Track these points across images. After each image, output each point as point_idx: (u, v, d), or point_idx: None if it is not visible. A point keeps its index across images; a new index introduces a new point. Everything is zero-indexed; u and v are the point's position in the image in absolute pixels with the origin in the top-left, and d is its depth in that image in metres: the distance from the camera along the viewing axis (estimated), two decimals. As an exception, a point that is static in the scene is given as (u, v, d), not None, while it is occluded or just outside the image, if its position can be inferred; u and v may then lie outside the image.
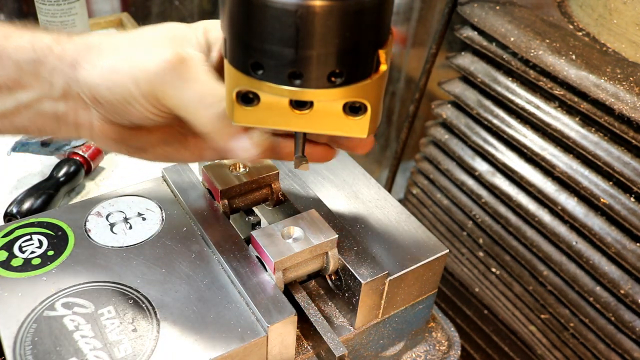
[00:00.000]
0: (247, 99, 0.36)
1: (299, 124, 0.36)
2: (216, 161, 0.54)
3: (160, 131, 0.44)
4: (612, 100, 0.67)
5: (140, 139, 0.44)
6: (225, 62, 0.36)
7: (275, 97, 0.35)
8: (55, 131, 0.43)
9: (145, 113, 0.40)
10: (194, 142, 0.45)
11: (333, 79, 0.33)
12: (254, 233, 0.46)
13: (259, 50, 0.33)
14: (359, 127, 0.36)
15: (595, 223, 0.73)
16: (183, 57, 0.38)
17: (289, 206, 0.54)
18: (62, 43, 0.40)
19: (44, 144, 0.78)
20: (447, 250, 0.50)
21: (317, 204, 0.53)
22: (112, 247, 0.47)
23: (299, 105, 0.35)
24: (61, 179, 0.74)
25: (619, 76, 0.68)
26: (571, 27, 0.81)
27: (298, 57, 0.32)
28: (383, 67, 0.35)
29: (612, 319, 0.72)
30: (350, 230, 0.50)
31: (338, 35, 0.32)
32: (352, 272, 0.46)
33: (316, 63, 0.32)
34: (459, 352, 0.54)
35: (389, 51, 0.35)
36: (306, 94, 0.34)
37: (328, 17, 0.31)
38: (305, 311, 0.46)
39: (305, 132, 0.41)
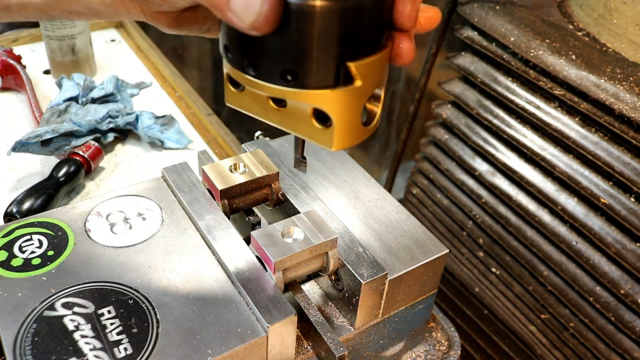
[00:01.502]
0: (234, 81, 0.37)
1: (276, 119, 0.36)
2: (216, 161, 0.55)
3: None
4: (612, 100, 0.67)
5: (199, 19, 0.40)
6: None
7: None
8: (112, 17, 0.40)
9: None
10: None
11: (288, 77, 0.33)
12: (254, 233, 0.46)
13: (227, 35, 0.34)
14: (326, 138, 0.35)
15: (595, 223, 0.73)
16: None
17: (289, 206, 0.54)
18: None
19: (44, 144, 0.78)
20: (447, 250, 0.50)
21: (317, 204, 0.53)
22: (112, 247, 0.47)
23: (275, 100, 0.36)
24: (61, 179, 0.74)
25: (619, 76, 0.68)
26: (571, 27, 0.81)
27: (253, 46, 0.33)
28: (358, 83, 0.33)
29: (612, 319, 0.72)
30: (350, 230, 0.50)
31: (294, 34, 0.31)
32: (352, 272, 0.46)
33: (269, 56, 0.33)
34: (459, 352, 0.54)
35: (370, 65, 0.33)
36: (259, 86, 0.34)
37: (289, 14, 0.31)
38: (305, 311, 0.46)
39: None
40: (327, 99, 0.33)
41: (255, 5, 0.30)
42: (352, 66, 0.33)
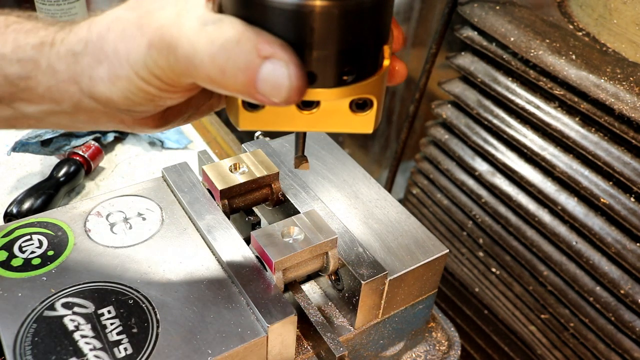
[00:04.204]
0: (253, 104, 0.35)
1: (304, 124, 0.36)
2: (216, 161, 0.55)
3: (200, 94, 0.40)
4: (612, 100, 0.67)
5: (182, 112, 0.41)
6: None
7: None
8: (86, 129, 0.40)
9: (176, 98, 0.36)
10: None
11: (345, 77, 0.33)
12: (254, 233, 0.46)
13: None
14: (364, 123, 0.36)
15: (595, 223, 0.73)
16: (154, 36, 0.32)
17: (289, 206, 0.54)
18: (45, 54, 0.35)
19: (44, 144, 0.78)
20: (447, 250, 0.50)
21: (317, 204, 0.53)
22: (112, 247, 0.47)
23: (306, 105, 0.35)
24: (61, 179, 0.74)
25: (619, 76, 0.68)
26: (571, 27, 0.81)
27: (312, 57, 0.32)
28: (386, 62, 0.35)
29: (612, 319, 0.72)
30: (350, 230, 0.50)
31: (351, 33, 0.32)
32: (352, 272, 0.46)
33: (330, 62, 0.32)
34: (459, 352, 0.54)
35: (391, 46, 0.36)
36: (317, 94, 0.34)
37: (342, 16, 0.31)
38: (305, 311, 0.46)
39: (305, 132, 0.41)
40: (373, 85, 0.35)
41: (284, 84, 0.30)
42: (387, 48, 0.35)
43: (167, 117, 0.40)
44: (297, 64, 0.30)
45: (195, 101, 0.41)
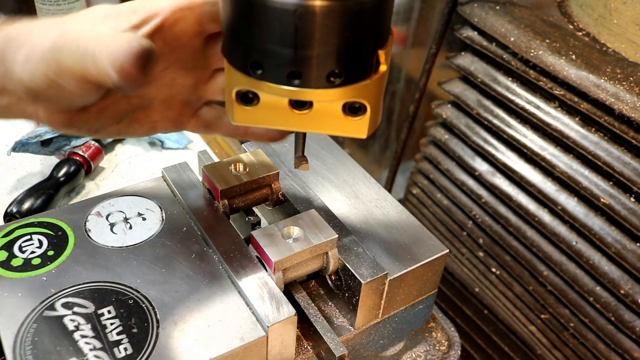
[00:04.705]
0: (246, 98, 0.36)
1: (298, 123, 0.36)
2: (216, 161, 0.55)
3: (108, 110, 0.43)
4: (612, 100, 0.67)
5: (89, 121, 0.43)
6: (225, 61, 0.36)
7: (274, 97, 0.35)
8: (6, 117, 0.44)
9: (75, 92, 0.39)
10: (143, 115, 0.45)
11: (332, 79, 0.33)
12: (254, 233, 0.46)
13: (258, 50, 0.33)
14: (358, 128, 0.36)
15: (595, 223, 0.73)
16: (65, 30, 0.38)
17: (289, 206, 0.54)
18: None
19: (44, 144, 0.78)
20: (447, 250, 0.50)
21: (317, 204, 0.53)
22: (112, 247, 0.47)
23: (299, 105, 0.35)
24: (61, 179, 0.74)
25: (619, 76, 0.68)
26: (571, 27, 0.81)
27: (297, 57, 0.32)
28: (383, 68, 0.35)
29: (612, 319, 0.72)
30: (350, 230, 0.50)
31: (337, 35, 0.32)
32: (352, 272, 0.46)
33: (315, 63, 0.32)
34: (459, 352, 0.54)
35: (389, 51, 0.35)
36: (305, 94, 0.34)
37: (327, 17, 0.31)
38: (305, 311, 0.46)
39: (305, 132, 0.41)
40: (366, 90, 0.34)
41: (122, 52, 0.34)
42: (382, 54, 0.34)
43: (76, 120, 0.42)
44: (138, 44, 0.34)
45: (105, 116, 0.44)
